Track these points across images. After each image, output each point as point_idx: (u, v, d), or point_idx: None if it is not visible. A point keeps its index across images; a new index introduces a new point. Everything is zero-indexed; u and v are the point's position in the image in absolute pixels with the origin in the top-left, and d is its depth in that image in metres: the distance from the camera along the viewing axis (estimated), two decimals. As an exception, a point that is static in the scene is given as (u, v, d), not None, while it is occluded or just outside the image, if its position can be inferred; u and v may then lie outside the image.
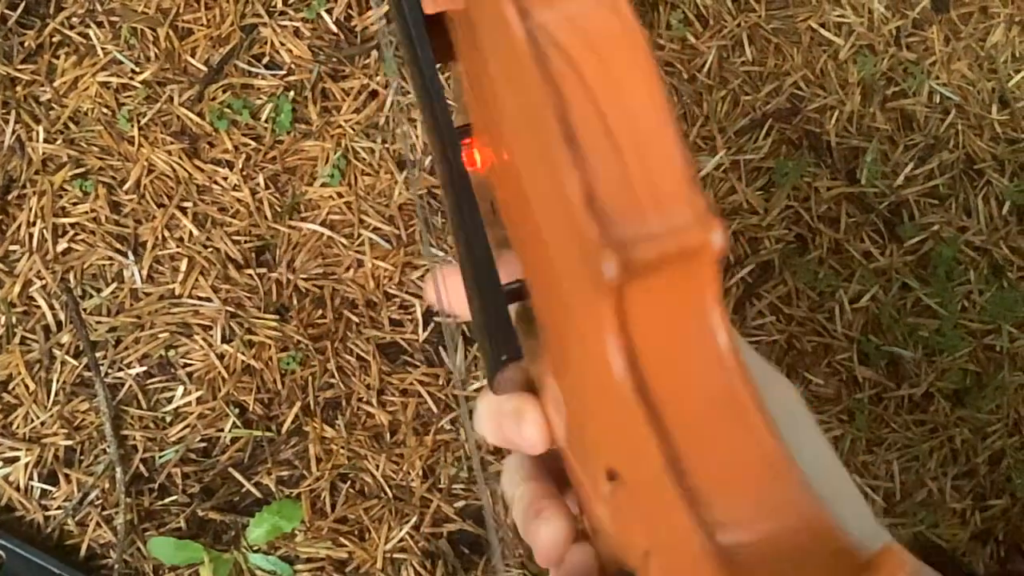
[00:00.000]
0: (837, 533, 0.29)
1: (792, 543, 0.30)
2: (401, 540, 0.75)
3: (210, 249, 0.78)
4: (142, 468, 0.75)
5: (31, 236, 0.77)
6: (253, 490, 0.75)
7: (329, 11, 0.81)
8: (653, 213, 0.28)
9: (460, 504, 0.77)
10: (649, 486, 0.31)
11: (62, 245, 0.77)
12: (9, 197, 0.78)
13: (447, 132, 0.36)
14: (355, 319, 0.78)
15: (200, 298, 0.77)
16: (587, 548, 0.41)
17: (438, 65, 0.37)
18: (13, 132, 0.78)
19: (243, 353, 0.76)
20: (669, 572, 0.30)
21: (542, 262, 0.34)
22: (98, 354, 0.76)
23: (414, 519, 0.75)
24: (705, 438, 0.30)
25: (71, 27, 0.80)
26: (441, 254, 0.78)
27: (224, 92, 0.80)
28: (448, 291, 0.40)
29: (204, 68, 0.80)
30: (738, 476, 0.30)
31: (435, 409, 0.78)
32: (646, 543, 0.31)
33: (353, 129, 0.80)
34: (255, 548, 0.74)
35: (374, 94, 0.81)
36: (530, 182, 0.32)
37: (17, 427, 0.75)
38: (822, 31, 0.86)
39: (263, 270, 0.78)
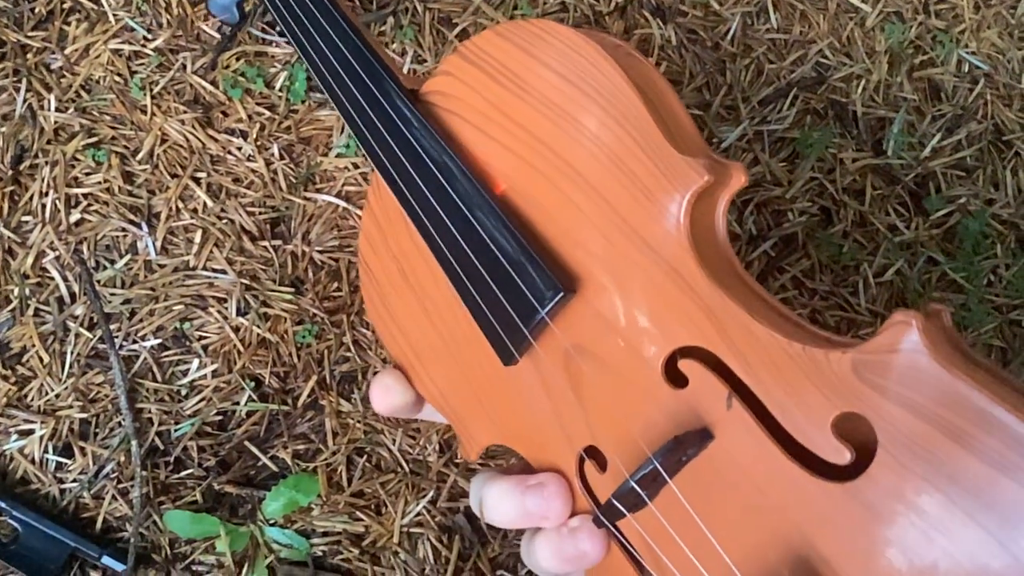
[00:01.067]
0: None
1: None
2: (418, 515, 0.75)
3: (225, 220, 0.77)
4: (158, 441, 0.74)
5: (44, 207, 0.76)
6: (269, 464, 0.75)
7: (344, -23, 0.79)
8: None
9: (477, 479, 0.76)
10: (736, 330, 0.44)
11: (75, 216, 0.76)
12: (21, 167, 0.77)
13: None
14: (371, 292, 0.77)
15: (215, 270, 0.76)
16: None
17: None
18: (24, 101, 0.77)
19: (258, 326, 0.76)
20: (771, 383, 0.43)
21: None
22: (112, 326, 0.75)
23: (431, 493, 0.75)
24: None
25: (82, -7, 0.78)
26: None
27: (238, 60, 0.78)
28: None
29: (217, 36, 0.78)
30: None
31: (452, 383, 0.77)
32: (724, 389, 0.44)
33: (369, 98, 0.79)
34: (271, 522, 0.74)
35: (390, 62, 0.80)
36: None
37: (32, 400, 0.74)
38: (849, -2, 0.84)
39: (278, 242, 0.77)
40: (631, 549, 0.45)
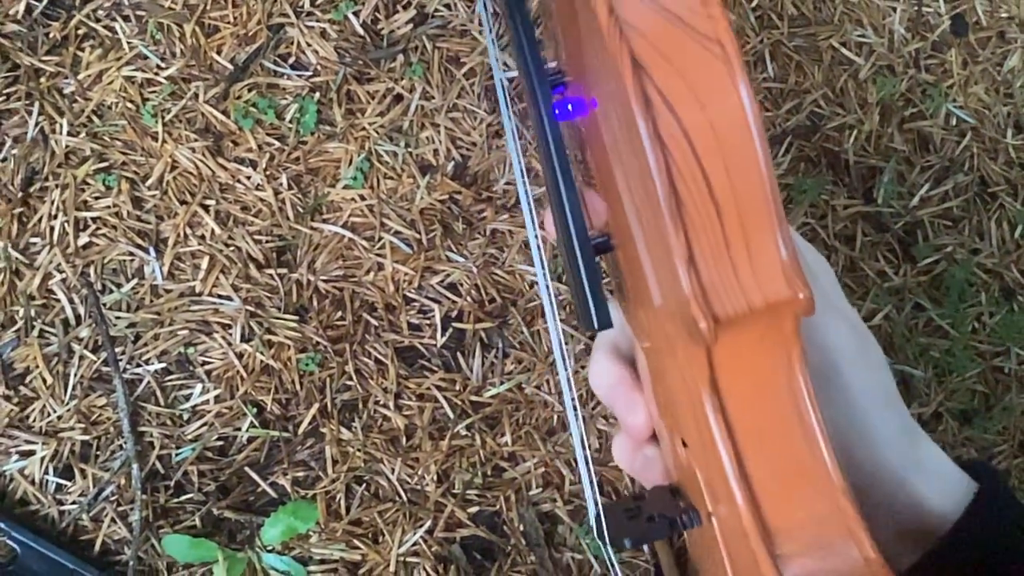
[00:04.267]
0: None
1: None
2: (414, 544, 0.75)
3: (231, 248, 0.78)
4: (158, 465, 0.75)
5: (52, 229, 0.77)
6: (269, 490, 0.75)
7: (356, 13, 0.81)
8: (746, 272, 0.32)
9: (474, 510, 0.77)
10: (716, 483, 0.36)
11: (83, 239, 0.77)
12: (31, 189, 0.77)
13: (542, 88, 0.37)
14: (374, 322, 0.79)
15: (220, 296, 0.77)
16: (658, 449, 0.45)
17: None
18: (36, 124, 0.78)
19: (262, 353, 0.76)
20: (728, 541, 0.36)
21: (632, 250, 0.38)
22: (117, 349, 0.76)
23: (428, 523, 0.76)
24: (773, 465, 0.35)
25: (97, 20, 0.80)
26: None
27: (249, 91, 0.80)
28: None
29: (230, 66, 0.80)
30: (793, 490, 0.35)
31: (451, 414, 0.78)
32: (705, 505, 0.37)
33: (377, 132, 0.80)
34: (269, 548, 0.74)
35: (399, 98, 0.81)
36: (629, 196, 0.36)
37: (34, 421, 0.75)
38: (843, 50, 0.87)
39: (284, 270, 0.78)
40: None
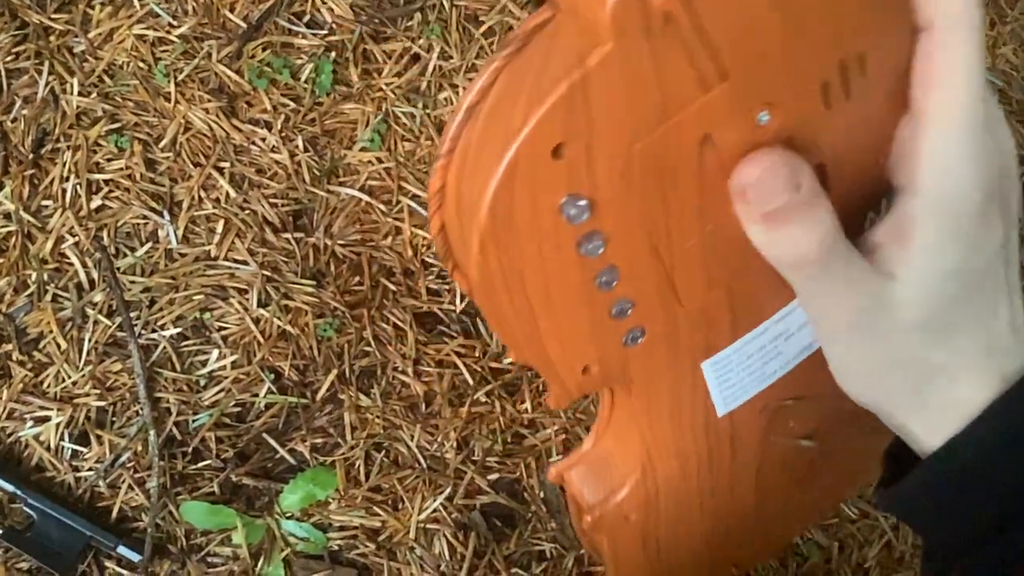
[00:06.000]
0: None
1: None
2: (434, 511, 0.75)
3: (247, 211, 0.76)
4: (175, 431, 0.74)
5: (64, 192, 0.75)
6: (287, 457, 0.75)
7: (373, -30, 0.79)
8: None
9: (494, 476, 0.76)
10: None
11: (96, 202, 0.76)
12: (42, 151, 0.76)
13: None
14: (392, 287, 0.77)
15: (236, 261, 0.76)
16: None
17: None
18: (47, 84, 0.76)
19: (279, 318, 0.75)
20: None
21: None
22: (132, 314, 0.75)
23: (448, 490, 0.75)
24: None
25: (107, -24, 0.78)
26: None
27: (264, 50, 0.78)
28: None
29: (243, 24, 0.78)
30: None
31: (470, 381, 0.77)
32: None
33: (394, 93, 0.79)
34: (288, 515, 0.73)
35: (416, 57, 0.79)
36: None
37: (48, 386, 0.74)
38: (870, 10, 0.85)
39: (300, 234, 0.77)
40: None
